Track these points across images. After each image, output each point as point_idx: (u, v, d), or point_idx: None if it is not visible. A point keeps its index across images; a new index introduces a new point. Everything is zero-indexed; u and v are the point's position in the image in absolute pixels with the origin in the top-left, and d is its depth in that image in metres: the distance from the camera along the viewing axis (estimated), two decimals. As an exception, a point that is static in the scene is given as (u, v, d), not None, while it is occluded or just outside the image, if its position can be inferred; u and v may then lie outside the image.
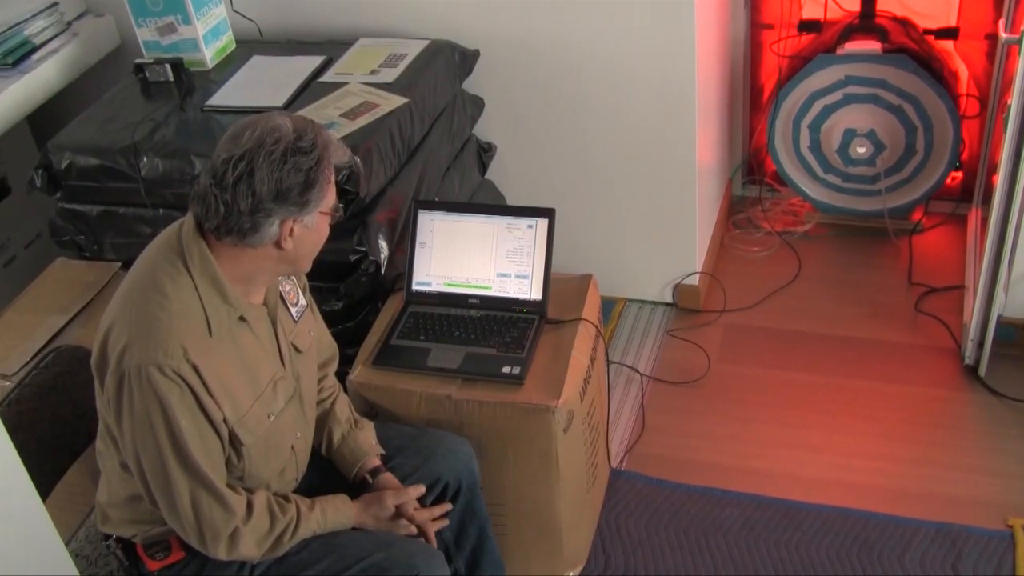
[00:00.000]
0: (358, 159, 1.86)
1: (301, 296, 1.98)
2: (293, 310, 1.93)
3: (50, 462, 2.02)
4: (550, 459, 2.21)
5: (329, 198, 1.76)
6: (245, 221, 1.67)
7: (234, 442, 1.76)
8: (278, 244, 1.72)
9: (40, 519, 1.63)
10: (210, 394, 1.70)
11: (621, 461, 2.79)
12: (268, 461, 1.85)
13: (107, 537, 1.92)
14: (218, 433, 1.73)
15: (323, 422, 2.06)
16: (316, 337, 2.05)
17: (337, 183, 1.86)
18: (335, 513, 1.90)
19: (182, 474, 1.70)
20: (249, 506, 1.79)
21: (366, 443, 2.05)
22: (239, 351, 1.76)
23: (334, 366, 2.14)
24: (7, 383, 2.23)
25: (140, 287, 1.72)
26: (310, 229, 1.75)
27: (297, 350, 1.91)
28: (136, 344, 1.66)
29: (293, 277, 1.96)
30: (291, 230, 1.71)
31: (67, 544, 2.06)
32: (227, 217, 1.67)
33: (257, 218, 1.68)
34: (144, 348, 1.66)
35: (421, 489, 2.01)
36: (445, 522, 2.05)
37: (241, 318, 1.76)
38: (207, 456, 1.72)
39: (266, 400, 1.81)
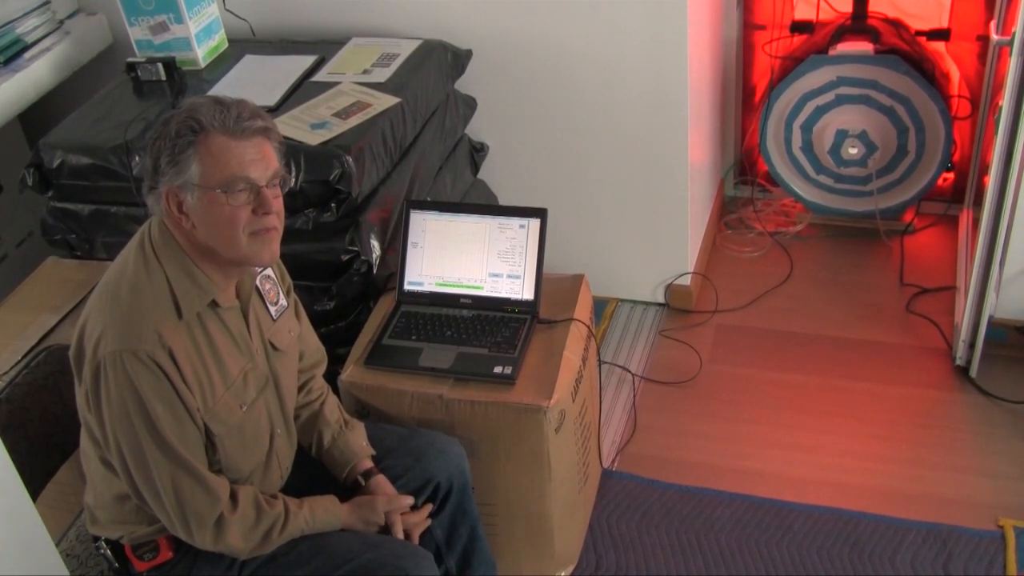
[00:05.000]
0: (274, 126, 1.76)
1: (282, 296, 1.98)
2: (272, 309, 1.93)
3: (41, 461, 2.01)
4: (542, 459, 2.22)
5: (206, 172, 1.68)
6: (144, 187, 1.74)
7: (208, 433, 1.76)
8: (176, 220, 1.72)
9: (30, 519, 1.62)
10: (184, 381, 1.70)
11: (613, 461, 2.79)
12: (246, 453, 1.85)
13: (96, 539, 1.92)
14: (194, 421, 1.73)
15: (313, 424, 2.06)
16: (302, 340, 2.05)
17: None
18: (324, 513, 1.90)
19: (161, 458, 1.70)
20: (234, 496, 1.79)
21: (356, 444, 2.05)
22: (209, 339, 1.77)
23: (322, 369, 2.14)
24: (-2, 382, 2.22)
25: (114, 279, 1.75)
26: (197, 206, 1.69)
27: (275, 348, 1.92)
28: (111, 332, 1.68)
29: (274, 276, 1.96)
30: (179, 205, 1.70)
31: (58, 544, 2.06)
32: (139, 191, 1.76)
33: (147, 186, 1.73)
34: (119, 335, 1.67)
35: (411, 500, 2.01)
36: (428, 522, 2.05)
37: (214, 303, 1.77)
38: (185, 441, 1.72)
39: (237, 390, 1.81)
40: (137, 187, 1.71)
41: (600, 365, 2.54)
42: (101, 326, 1.69)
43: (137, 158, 2.45)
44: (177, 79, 2.80)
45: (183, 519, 1.75)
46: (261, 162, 1.72)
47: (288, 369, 1.97)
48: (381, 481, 2.01)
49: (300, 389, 2.07)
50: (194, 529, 1.76)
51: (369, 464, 2.04)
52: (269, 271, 1.95)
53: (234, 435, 1.81)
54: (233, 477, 1.83)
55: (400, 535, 1.96)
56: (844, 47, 3.26)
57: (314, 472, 2.04)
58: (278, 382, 1.93)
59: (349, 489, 2.01)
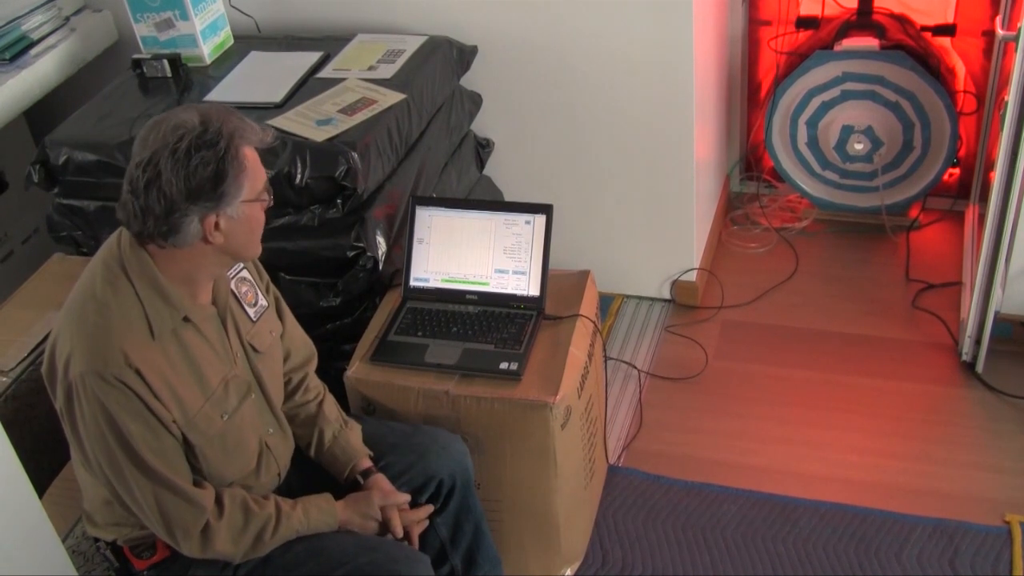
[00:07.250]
0: (271, 134, 1.76)
1: (260, 296, 1.96)
2: (251, 310, 1.92)
3: (47, 458, 2.01)
4: (548, 455, 2.21)
5: (251, 185, 1.69)
6: (163, 224, 1.64)
7: (187, 443, 1.75)
8: (206, 240, 1.68)
9: (37, 516, 1.63)
10: (156, 396, 1.68)
11: (619, 457, 2.79)
12: (231, 460, 1.83)
13: (96, 540, 1.92)
14: (171, 432, 1.72)
15: (312, 423, 2.05)
16: (288, 337, 2.04)
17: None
18: (319, 512, 1.89)
19: (140, 477, 1.70)
20: (219, 502, 1.78)
21: (356, 443, 2.04)
22: (185, 352, 1.75)
23: (314, 364, 2.13)
24: (4, 379, 2.22)
25: (81, 297, 1.72)
26: (238, 219, 1.69)
27: (255, 350, 1.90)
28: (77, 353, 1.66)
29: (251, 278, 1.94)
30: (216, 224, 1.67)
31: (64, 541, 2.06)
32: (145, 222, 1.65)
33: (174, 220, 1.64)
34: (85, 357, 1.65)
35: (407, 497, 2.01)
36: (425, 523, 2.04)
37: (186, 319, 1.74)
38: (163, 457, 1.71)
39: (218, 400, 1.79)
40: (144, 214, 1.61)
41: (606, 361, 2.54)
42: (69, 346, 1.67)
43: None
44: (182, 76, 2.80)
45: (169, 531, 1.75)
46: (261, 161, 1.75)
47: (271, 370, 1.96)
48: (380, 479, 2.01)
49: (297, 388, 2.06)
50: (180, 540, 1.75)
51: (368, 463, 2.03)
52: (244, 272, 1.93)
53: (215, 444, 1.79)
54: (218, 484, 1.82)
55: (399, 531, 1.95)
56: (850, 43, 3.25)
57: (310, 473, 2.03)
58: (262, 383, 1.91)
59: (348, 489, 2.00)
